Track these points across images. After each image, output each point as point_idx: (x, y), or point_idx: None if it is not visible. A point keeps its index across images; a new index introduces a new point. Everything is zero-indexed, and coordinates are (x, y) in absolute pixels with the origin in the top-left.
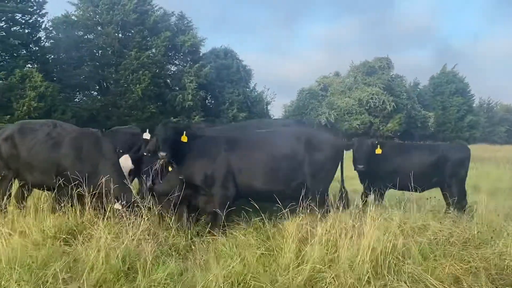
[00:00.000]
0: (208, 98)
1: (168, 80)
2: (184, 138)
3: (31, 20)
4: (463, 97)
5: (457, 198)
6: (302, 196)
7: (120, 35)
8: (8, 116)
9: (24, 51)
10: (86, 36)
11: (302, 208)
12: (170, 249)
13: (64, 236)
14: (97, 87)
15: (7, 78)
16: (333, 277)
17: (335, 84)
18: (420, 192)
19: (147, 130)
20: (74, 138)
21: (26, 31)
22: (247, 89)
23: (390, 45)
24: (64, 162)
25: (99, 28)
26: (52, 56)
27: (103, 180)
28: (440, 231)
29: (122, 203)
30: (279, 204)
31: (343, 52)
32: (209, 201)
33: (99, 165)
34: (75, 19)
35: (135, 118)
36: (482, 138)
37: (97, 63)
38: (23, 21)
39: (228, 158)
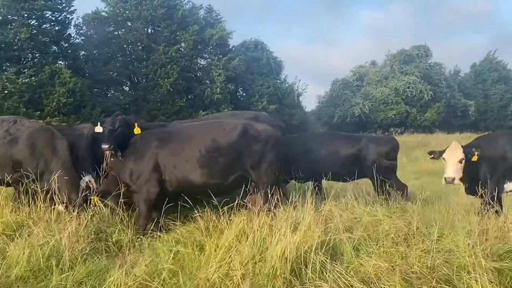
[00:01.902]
0: (238, 91)
1: (197, 74)
2: (137, 130)
3: (61, 18)
4: (506, 85)
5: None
6: (246, 190)
7: (149, 30)
8: (38, 112)
9: (54, 48)
10: (116, 32)
11: (244, 202)
12: (113, 246)
13: (9, 233)
14: (127, 82)
15: (37, 75)
16: (241, 277)
17: (371, 73)
18: (348, 181)
19: (99, 124)
20: (29, 134)
21: (56, 28)
22: (278, 81)
23: (443, 31)
24: (19, 158)
25: (128, 23)
26: (82, 53)
27: (54, 177)
28: (380, 224)
29: (65, 203)
30: (214, 199)
31: (394, 39)
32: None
33: (52, 162)
34: (105, 15)
35: (164, 111)
36: None
37: (127, 59)
38: (53, 19)
39: (157, 154)
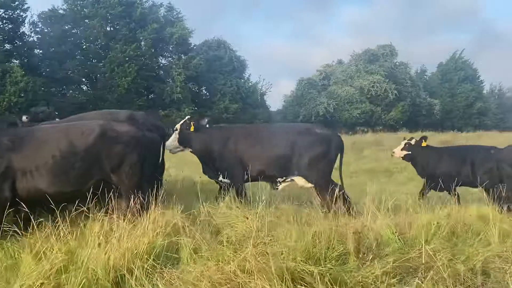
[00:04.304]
0: (200, 90)
1: (157, 73)
2: None
3: (14, 15)
4: (472, 84)
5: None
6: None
7: (107, 28)
8: None
9: (7, 47)
10: (74, 30)
11: (108, 208)
12: None
13: None
14: (85, 81)
15: None
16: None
17: (337, 72)
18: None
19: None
20: None
21: (9, 26)
22: (241, 80)
23: (427, 28)
24: None
25: (86, 21)
26: (38, 51)
27: None
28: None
29: None
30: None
31: (379, 37)
32: None
33: None
34: (63, 12)
35: None
36: (494, 125)
37: (85, 57)
38: (6, 17)
39: (9, 159)
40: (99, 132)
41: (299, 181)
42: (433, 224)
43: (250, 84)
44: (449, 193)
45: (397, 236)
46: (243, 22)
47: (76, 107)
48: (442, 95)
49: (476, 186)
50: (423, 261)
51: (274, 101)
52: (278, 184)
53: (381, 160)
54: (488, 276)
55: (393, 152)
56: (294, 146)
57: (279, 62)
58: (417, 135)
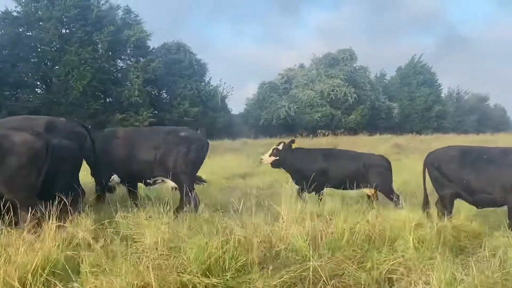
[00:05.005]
0: (159, 93)
1: (114, 76)
2: None
3: None
4: (430, 87)
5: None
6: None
7: (62, 30)
8: None
9: None
10: (28, 33)
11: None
12: None
13: None
14: (39, 84)
15: None
16: None
17: (299, 76)
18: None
19: None
20: None
21: None
22: (201, 83)
23: (394, 32)
24: None
25: (40, 23)
26: None
27: None
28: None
29: None
30: None
31: (344, 40)
32: None
33: None
34: (16, 15)
35: (78, 115)
36: (452, 128)
37: (39, 60)
38: None
39: None
40: None
41: (169, 182)
42: (346, 231)
43: (211, 87)
44: (318, 194)
45: (308, 243)
46: (212, 25)
47: (30, 111)
48: (401, 98)
49: (349, 188)
50: (329, 270)
51: (242, 105)
52: (150, 185)
53: None
54: (392, 285)
55: (261, 159)
56: (159, 148)
57: (247, 65)
58: (376, 138)
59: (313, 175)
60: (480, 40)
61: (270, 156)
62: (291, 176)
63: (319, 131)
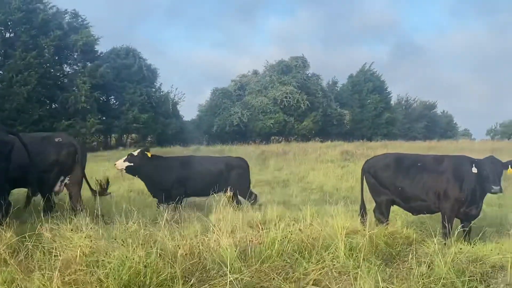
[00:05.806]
0: (108, 99)
1: (60, 81)
2: None
3: None
4: (380, 94)
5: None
6: None
7: (6, 34)
8: None
9: None
10: None
11: None
12: None
13: None
14: None
15: None
16: None
17: (252, 83)
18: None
19: None
20: None
21: None
22: (152, 89)
23: (348, 40)
24: None
25: None
26: None
27: None
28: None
29: None
30: None
31: (300, 47)
32: None
33: None
34: None
35: (22, 121)
36: (402, 135)
37: None
38: None
39: None
40: None
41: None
42: (278, 240)
43: (161, 93)
44: (178, 204)
45: (238, 255)
46: (167, 30)
47: None
48: (353, 105)
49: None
50: (253, 282)
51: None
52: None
53: (283, 170)
54: None
55: (115, 164)
56: (36, 155)
57: (203, 71)
58: (328, 144)
59: (172, 185)
60: (431, 49)
61: (124, 161)
62: (146, 187)
63: (272, 137)
